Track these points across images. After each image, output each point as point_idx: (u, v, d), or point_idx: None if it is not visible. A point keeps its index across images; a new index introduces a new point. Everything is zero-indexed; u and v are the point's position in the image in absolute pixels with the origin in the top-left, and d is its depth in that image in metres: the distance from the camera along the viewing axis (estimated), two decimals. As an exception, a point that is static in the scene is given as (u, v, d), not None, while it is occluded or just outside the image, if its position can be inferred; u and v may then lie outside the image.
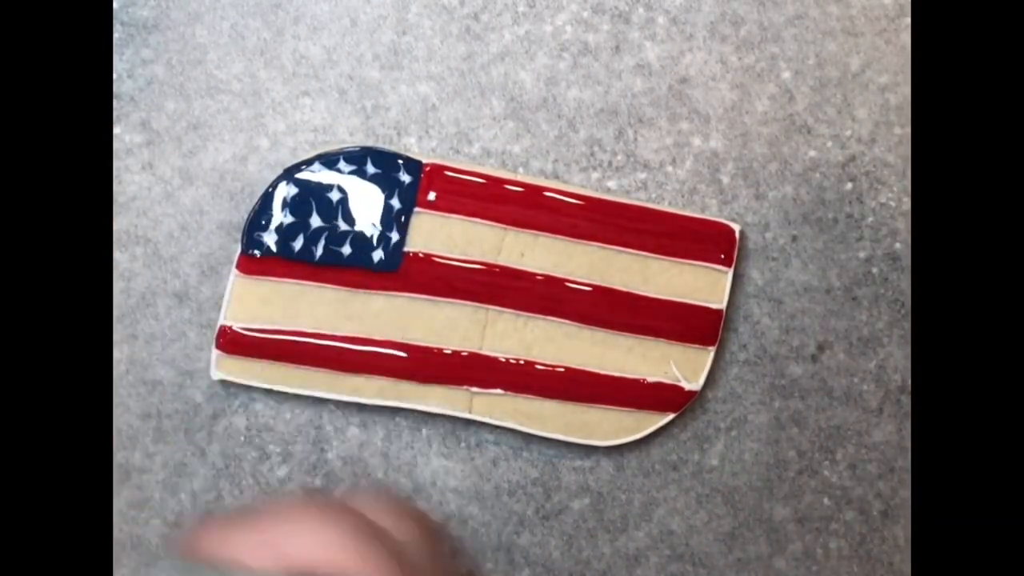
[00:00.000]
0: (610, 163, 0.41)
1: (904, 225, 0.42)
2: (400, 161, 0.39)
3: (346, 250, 0.39)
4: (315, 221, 0.39)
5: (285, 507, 0.28)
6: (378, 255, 0.39)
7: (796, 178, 0.42)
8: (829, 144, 0.42)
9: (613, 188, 0.41)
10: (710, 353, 0.40)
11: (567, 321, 0.40)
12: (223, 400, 0.41)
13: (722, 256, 0.40)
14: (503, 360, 0.39)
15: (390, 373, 0.39)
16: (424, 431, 0.41)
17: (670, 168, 0.41)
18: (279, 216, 0.39)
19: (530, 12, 0.41)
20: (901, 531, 0.42)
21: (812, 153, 0.42)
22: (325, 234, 0.39)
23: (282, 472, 0.41)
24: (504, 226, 0.39)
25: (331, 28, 0.40)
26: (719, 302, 0.40)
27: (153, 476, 0.41)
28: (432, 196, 0.39)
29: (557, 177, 0.41)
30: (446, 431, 0.41)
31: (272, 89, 0.40)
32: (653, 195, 0.41)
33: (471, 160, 0.41)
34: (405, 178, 0.39)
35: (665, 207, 0.40)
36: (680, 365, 0.40)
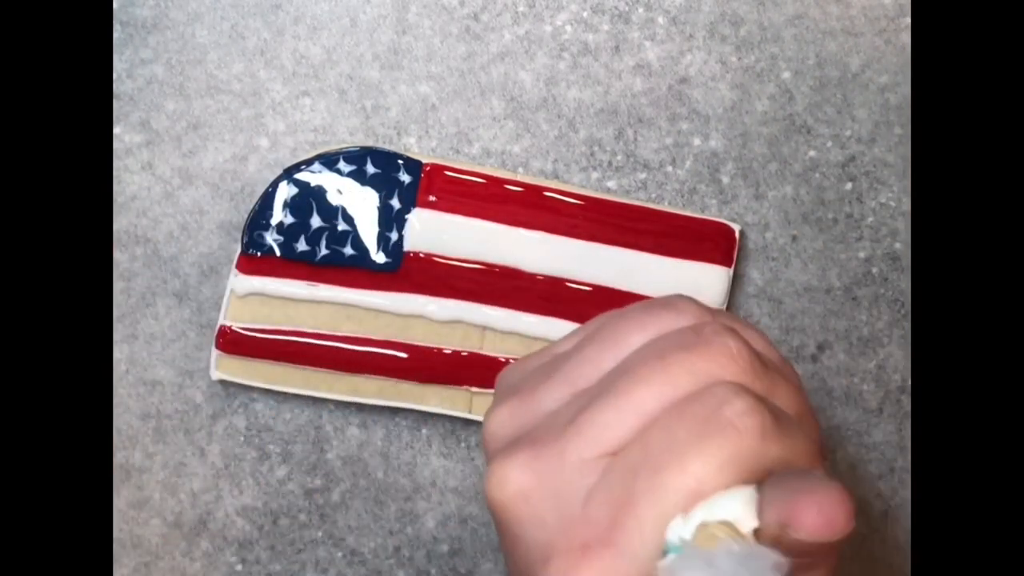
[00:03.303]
0: (610, 163, 0.41)
1: (904, 225, 0.42)
2: (400, 161, 0.39)
3: (347, 251, 0.39)
4: (315, 221, 0.39)
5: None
6: (378, 255, 0.39)
7: (796, 178, 0.42)
8: (829, 144, 0.42)
9: (613, 188, 0.41)
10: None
11: (567, 321, 0.40)
12: (223, 400, 0.41)
13: (722, 256, 0.40)
14: (503, 360, 0.39)
15: (390, 373, 0.39)
16: (424, 431, 0.41)
17: (670, 168, 0.41)
18: (279, 216, 0.39)
19: (530, 12, 0.41)
20: (901, 531, 0.42)
21: (812, 153, 0.42)
22: (326, 234, 0.39)
23: (282, 472, 0.41)
24: (504, 226, 0.39)
25: (331, 28, 0.40)
26: (719, 302, 0.40)
27: (153, 476, 0.41)
28: (432, 196, 0.39)
29: (557, 177, 0.41)
30: (446, 431, 0.41)
31: (272, 89, 0.40)
32: (653, 195, 0.41)
33: (471, 160, 0.41)
34: (405, 178, 0.39)
35: (665, 207, 0.40)
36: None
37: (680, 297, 0.27)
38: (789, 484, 0.23)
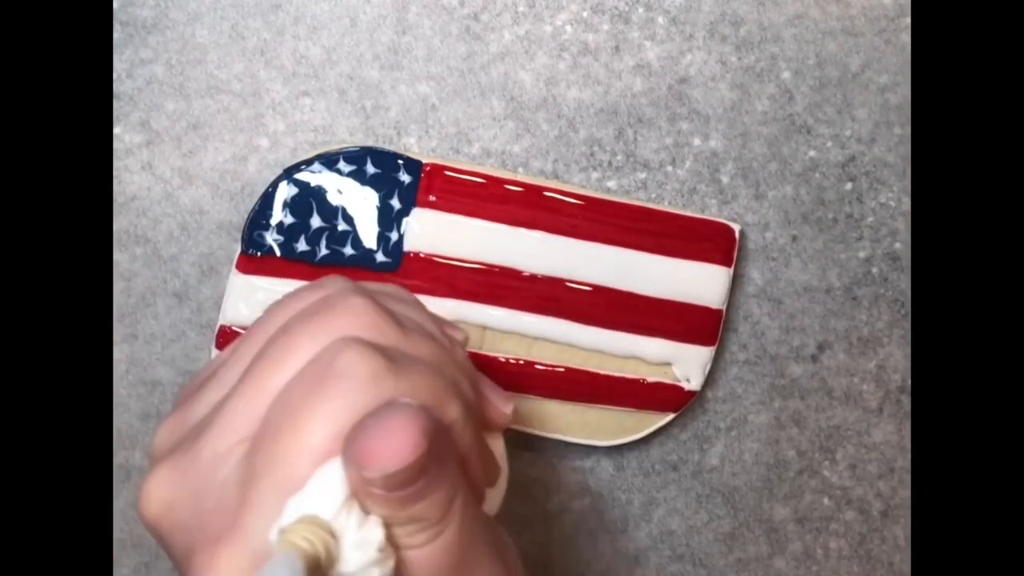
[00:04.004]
0: (610, 163, 0.41)
1: (904, 225, 0.42)
2: (400, 161, 0.39)
3: (347, 251, 0.39)
4: (315, 221, 0.39)
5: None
6: (378, 255, 0.39)
7: (796, 178, 0.42)
8: (829, 144, 0.42)
9: (613, 188, 0.41)
10: (710, 353, 0.40)
11: (567, 321, 0.40)
12: (223, 400, 0.41)
13: (722, 256, 0.40)
14: (503, 360, 0.39)
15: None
16: (424, 431, 0.41)
17: (670, 168, 0.41)
18: (279, 216, 0.39)
19: (530, 12, 0.41)
20: (901, 531, 0.42)
21: (812, 153, 0.42)
22: (326, 234, 0.39)
23: (282, 472, 0.41)
24: (504, 226, 0.39)
25: (331, 28, 0.40)
26: (719, 302, 0.40)
27: (153, 476, 0.41)
28: (432, 196, 0.39)
29: (557, 177, 0.41)
30: (446, 431, 0.41)
31: (272, 89, 0.40)
32: (653, 195, 0.41)
33: (471, 160, 0.41)
34: (405, 178, 0.39)
35: (665, 207, 0.40)
36: (680, 365, 0.40)
37: (329, 277, 0.27)
38: (363, 424, 0.22)
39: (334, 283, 0.26)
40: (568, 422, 0.40)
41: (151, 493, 0.23)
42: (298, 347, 0.23)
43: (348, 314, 0.24)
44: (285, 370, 0.23)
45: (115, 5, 0.40)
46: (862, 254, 0.42)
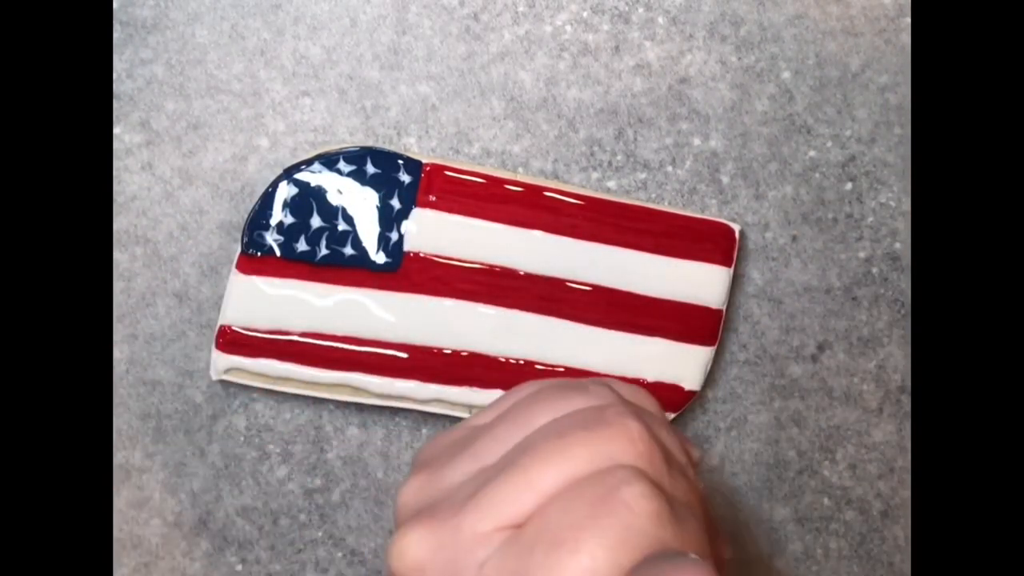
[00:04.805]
0: (610, 163, 0.41)
1: (904, 225, 0.42)
2: (400, 161, 0.39)
3: (347, 251, 0.39)
4: (315, 221, 0.39)
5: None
6: (378, 255, 0.39)
7: (796, 178, 0.42)
8: (829, 144, 0.42)
9: (613, 188, 0.41)
10: (710, 353, 0.40)
11: (567, 321, 0.40)
12: (223, 400, 0.41)
13: (722, 256, 0.40)
14: (503, 360, 0.39)
15: (390, 373, 0.39)
16: (424, 431, 0.41)
17: (670, 168, 0.41)
18: (279, 216, 0.39)
19: (530, 12, 0.41)
20: (901, 531, 0.42)
21: (812, 153, 0.42)
22: (326, 234, 0.39)
23: (282, 472, 0.41)
24: (504, 226, 0.39)
25: (331, 28, 0.40)
26: (719, 302, 0.40)
27: (153, 476, 0.41)
28: (432, 196, 0.39)
29: (557, 177, 0.41)
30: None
31: (272, 89, 0.40)
32: (653, 195, 0.41)
33: (471, 160, 0.41)
34: (405, 178, 0.39)
35: (665, 207, 0.40)
36: (680, 365, 0.40)
37: (594, 381, 0.28)
38: (657, 565, 0.23)
39: (602, 392, 0.27)
40: (568, 422, 0.40)
41: (407, 551, 0.25)
42: (572, 455, 0.25)
43: (624, 438, 0.25)
44: (555, 472, 0.24)
45: (115, 5, 0.40)
46: (862, 254, 0.42)
